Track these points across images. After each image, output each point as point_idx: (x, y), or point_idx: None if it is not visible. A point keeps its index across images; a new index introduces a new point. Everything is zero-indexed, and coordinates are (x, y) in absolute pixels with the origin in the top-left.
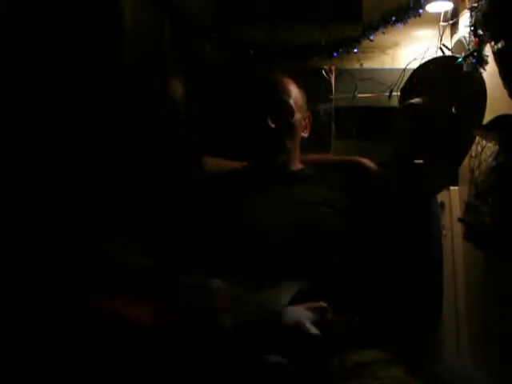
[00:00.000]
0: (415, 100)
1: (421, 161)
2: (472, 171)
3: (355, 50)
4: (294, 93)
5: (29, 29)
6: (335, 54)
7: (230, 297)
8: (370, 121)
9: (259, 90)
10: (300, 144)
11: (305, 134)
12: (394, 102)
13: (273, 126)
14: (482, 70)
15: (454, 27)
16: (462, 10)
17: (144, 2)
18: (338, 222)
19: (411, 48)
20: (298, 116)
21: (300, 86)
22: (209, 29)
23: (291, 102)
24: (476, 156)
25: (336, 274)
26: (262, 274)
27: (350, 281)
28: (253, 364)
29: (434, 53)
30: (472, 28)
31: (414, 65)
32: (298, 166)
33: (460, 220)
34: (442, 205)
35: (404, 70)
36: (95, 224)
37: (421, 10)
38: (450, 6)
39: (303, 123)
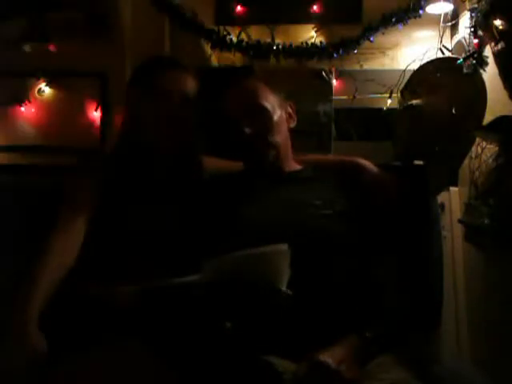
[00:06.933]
0: (415, 101)
1: (421, 162)
2: (472, 172)
3: (355, 51)
4: (265, 93)
5: None
6: (335, 55)
7: None
8: (369, 122)
9: (229, 97)
10: (291, 137)
11: (291, 125)
12: (394, 104)
13: (247, 130)
14: (481, 71)
15: (454, 28)
16: (462, 11)
17: (144, 2)
18: (337, 224)
19: (411, 49)
20: (275, 111)
21: (272, 87)
22: (209, 29)
23: (262, 102)
24: (476, 157)
25: (335, 276)
26: None
27: (349, 283)
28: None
29: (434, 54)
30: (472, 29)
31: (414, 66)
32: (294, 166)
33: (460, 221)
34: (442, 206)
35: (404, 71)
36: None
37: (421, 11)
38: (450, 8)
39: (284, 116)
